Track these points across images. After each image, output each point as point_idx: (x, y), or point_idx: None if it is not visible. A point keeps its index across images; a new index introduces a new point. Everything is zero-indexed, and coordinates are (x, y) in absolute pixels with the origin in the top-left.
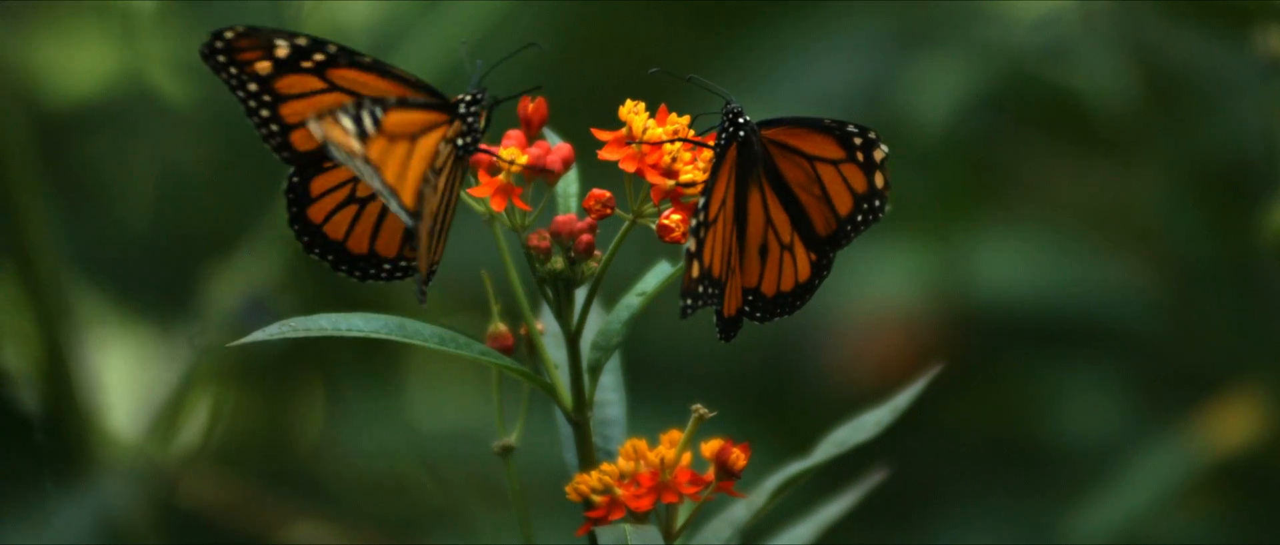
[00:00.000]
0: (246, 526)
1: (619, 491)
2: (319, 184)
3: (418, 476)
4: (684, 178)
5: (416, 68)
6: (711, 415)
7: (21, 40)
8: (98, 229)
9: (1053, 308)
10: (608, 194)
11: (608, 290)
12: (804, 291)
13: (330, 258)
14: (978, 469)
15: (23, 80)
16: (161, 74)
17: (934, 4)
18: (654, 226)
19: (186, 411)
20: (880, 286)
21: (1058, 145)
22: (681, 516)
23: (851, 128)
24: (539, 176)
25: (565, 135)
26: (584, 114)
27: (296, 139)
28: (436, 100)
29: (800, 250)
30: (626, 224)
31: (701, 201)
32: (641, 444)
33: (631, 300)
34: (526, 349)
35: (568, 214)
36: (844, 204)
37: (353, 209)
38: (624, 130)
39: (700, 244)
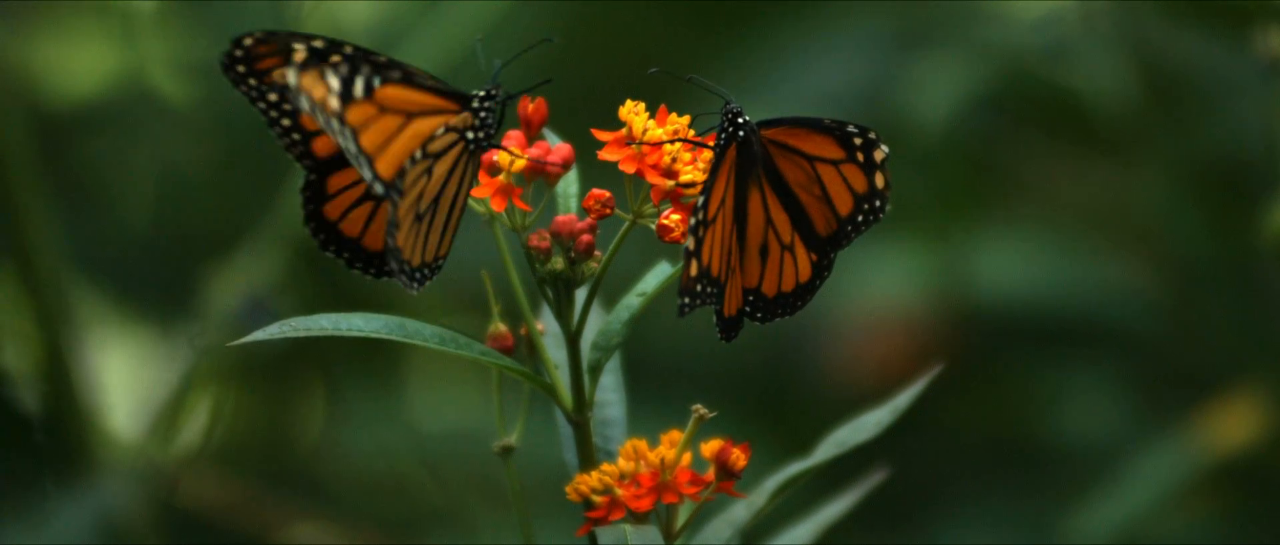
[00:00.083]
0: (246, 526)
1: (619, 492)
2: (336, 181)
3: (418, 476)
4: (684, 178)
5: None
6: (712, 415)
7: (21, 40)
8: (98, 229)
9: (1053, 308)
10: (608, 194)
11: (608, 290)
12: (805, 292)
13: (345, 255)
14: (978, 469)
15: (23, 80)
16: (161, 74)
17: (934, 4)
18: (654, 227)
19: (186, 411)
20: (880, 287)
21: (1058, 145)
22: (682, 517)
23: (851, 128)
24: (539, 177)
25: (565, 135)
26: (584, 114)
27: (318, 146)
28: (449, 90)
29: (801, 250)
30: (626, 224)
31: (700, 200)
32: (642, 444)
33: (632, 300)
34: (527, 349)
35: (568, 214)
36: (844, 204)
37: (369, 206)
38: (624, 131)
39: (698, 243)
